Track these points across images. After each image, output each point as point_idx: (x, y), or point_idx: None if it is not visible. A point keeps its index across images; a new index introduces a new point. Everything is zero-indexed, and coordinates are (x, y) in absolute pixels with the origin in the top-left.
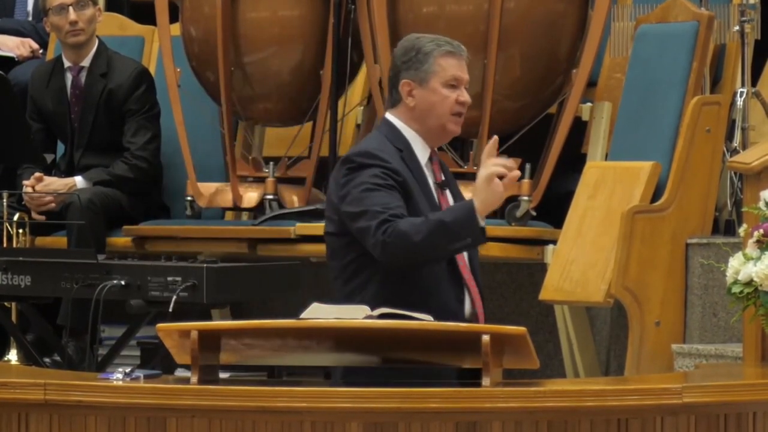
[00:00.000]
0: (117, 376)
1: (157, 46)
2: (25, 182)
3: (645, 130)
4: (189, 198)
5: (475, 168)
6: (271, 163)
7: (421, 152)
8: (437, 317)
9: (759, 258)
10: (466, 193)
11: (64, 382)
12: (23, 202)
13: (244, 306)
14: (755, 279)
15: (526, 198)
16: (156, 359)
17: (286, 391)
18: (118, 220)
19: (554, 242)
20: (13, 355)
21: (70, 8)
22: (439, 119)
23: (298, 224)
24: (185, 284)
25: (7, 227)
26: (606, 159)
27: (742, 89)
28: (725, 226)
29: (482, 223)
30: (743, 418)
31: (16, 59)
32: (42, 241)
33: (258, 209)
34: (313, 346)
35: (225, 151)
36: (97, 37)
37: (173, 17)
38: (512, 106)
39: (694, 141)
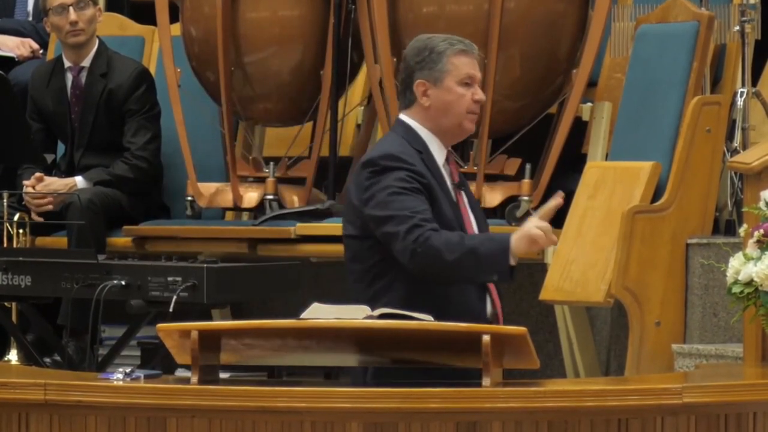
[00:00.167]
0: (117, 376)
1: (158, 46)
2: (25, 182)
3: (645, 130)
4: (189, 198)
5: (475, 168)
6: (272, 163)
7: (438, 153)
8: (462, 318)
9: (759, 258)
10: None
11: (64, 382)
12: (23, 203)
13: (244, 306)
14: (755, 279)
15: (526, 198)
16: (156, 359)
17: (286, 391)
18: (119, 220)
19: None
20: (13, 355)
21: (71, 8)
22: (455, 118)
23: (299, 224)
24: (185, 284)
25: (7, 227)
26: (606, 159)
27: (742, 89)
28: (725, 226)
29: (513, 262)
30: (743, 419)
31: (16, 59)
32: (42, 241)
33: (258, 209)
34: (313, 346)
35: (225, 151)
36: (98, 37)
37: (173, 17)
38: (512, 106)
39: (694, 141)
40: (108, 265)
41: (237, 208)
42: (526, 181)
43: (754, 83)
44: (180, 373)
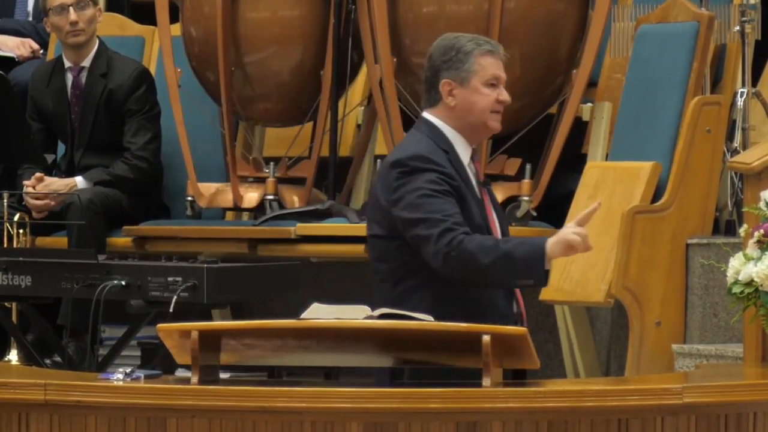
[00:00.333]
0: (117, 377)
1: (158, 46)
2: (25, 182)
3: (645, 130)
4: (189, 198)
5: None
6: (272, 163)
7: (463, 151)
8: (490, 319)
9: (759, 258)
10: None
11: (65, 382)
12: (23, 203)
13: (245, 306)
14: (756, 279)
15: (526, 198)
16: (156, 359)
17: (286, 392)
18: (119, 220)
19: None
20: (13, 356)
21: (71, 8)
22: (480, 117)
23: (299, 224)
24: (185, 284)
25: (7, 227)
26: (606, 159)
27: (742, 89)
28: (726, 227)
29: (548, 266)
30: (743, 419)
31: (17, 59)
32: (42, 241)
33: (258, 209)
34: (313, 346)
35: (225, 151)
36: (98, 37)
37: (173, 17)
38: (512, 106)
39: (694, 141)
40: (108, 265)
41: (237, 209)
42: (526, 181)
43: (754, 83)
44: (180, 373)
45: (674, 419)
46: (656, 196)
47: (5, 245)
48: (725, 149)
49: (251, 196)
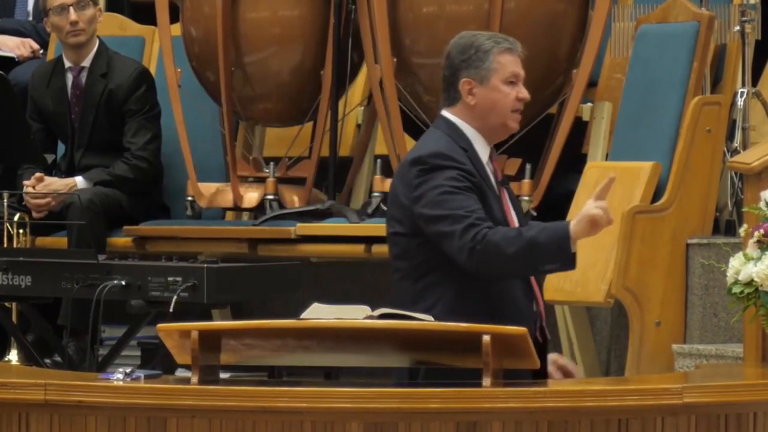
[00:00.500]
0: (117, 377)
1: (158, 46)
2: (25, 182)
3: (645, 130)
4: (189, 198)
5: None
6: (272, 163)
7: (482, 150)
8: (511, 316)
9: (759, 258)
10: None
11: (65, 382)
12: (23, 203)
13: (245, 306)
14: (756, 279)
15: (526, 198)
16: (156, 359)
17: (287, 392)
18: (119, 220)
19: None
20: (13, 356)
21: (71, 8)
22: (500, 117)
23: (299, 224)
24: (186, 284)
25: (7, 227)
26: (606, 159)
27: (742, 89)
28: (726, 227)
29: (574, 249)
30: (743, 419)
31: (17, 59)
32: (42, 241)
33: (258, 209)
34: (313, 346)
35: (225, 151)
36: (98, 37)
37: (173, 17)
38: None
39: (694, 141)
40: (108, 265)
41: (237, 208)
42: (527, 181)
43: (755, 83)
44: (180, 373)
45: (674, 419)
46: (656, 196)
47: (5, 245)
48: (725, 149)
49: (251, 196)
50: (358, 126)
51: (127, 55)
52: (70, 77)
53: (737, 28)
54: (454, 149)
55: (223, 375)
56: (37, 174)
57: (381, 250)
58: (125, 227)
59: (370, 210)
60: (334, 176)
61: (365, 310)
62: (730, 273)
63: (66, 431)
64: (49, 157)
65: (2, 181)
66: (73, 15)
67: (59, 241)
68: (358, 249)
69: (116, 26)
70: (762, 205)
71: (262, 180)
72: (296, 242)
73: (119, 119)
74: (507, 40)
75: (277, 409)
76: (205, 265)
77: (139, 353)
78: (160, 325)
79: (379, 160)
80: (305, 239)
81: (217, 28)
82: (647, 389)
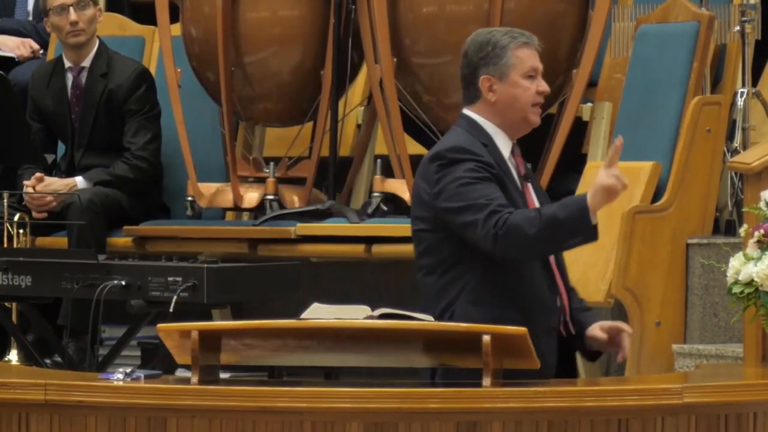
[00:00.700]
0: (117, 377)
1: (158, 46)
2: (25, 182)
3: (645, 130)
4: (189, 198)
5: None
6: (272, 163)
7: (504, 145)
8: (535, 308)
9: (759, 258)
10: None
11: (65, 382)
12: (23, 203)
13: (245, 306)
14: (756, 279)
15: None
16: (156, 359)
17: (287, 392)
18: (119, 220)
19: None
20: (13, 356)
21: (71, 8)
22: (521, 112)
23: (299, 224)
24: (186, 284)
25: (7, 227)
26: None
27: (742, 89)
28: (726, 227)
29: (594, 220)
30: (743, 419)
31: (17, 59)
32: (42, 241)
33: (258, 209)
34: (313, 346)
35: (225, 151)
36: (98, 37)
37: (174, 17)
38: None
39: (694, 141)
40: (108, 265)
41: (237, 209)
42: None
43: (755, 83)
44: (180, 373)
45: (674, 419)
46: (656, 196)
47: (5, 245)
48: (725, 149)
49: (251, 196)
50: (358, 126)
51: (127, 55)
52: (70, 77)
53: (737, 28)
54: (474, 144)
55: (223, 375)
56: (37, 174)
57: (381, 250)
58: (125, 227)
59: (370, 210)
60: (334, 176)
61: (365, 310)
62: (730, 273)
63: (66, 431)
64: (49, 157)
65: (2, 181)
66: (73, 15)
67: (59, 241)
68: (358, 249)
69: (116, 26)
70: (762, 205)
71: (262, 180)
72: (296, 242)
73: (119, 119)
74: (523, 34)
75: (277, 409)
76: (205, 265)
77: (139, 353)
78: (160, 325)
79: (379, 160)
80: (305, 239)
81: (217, 28)
82: (647, 389)
